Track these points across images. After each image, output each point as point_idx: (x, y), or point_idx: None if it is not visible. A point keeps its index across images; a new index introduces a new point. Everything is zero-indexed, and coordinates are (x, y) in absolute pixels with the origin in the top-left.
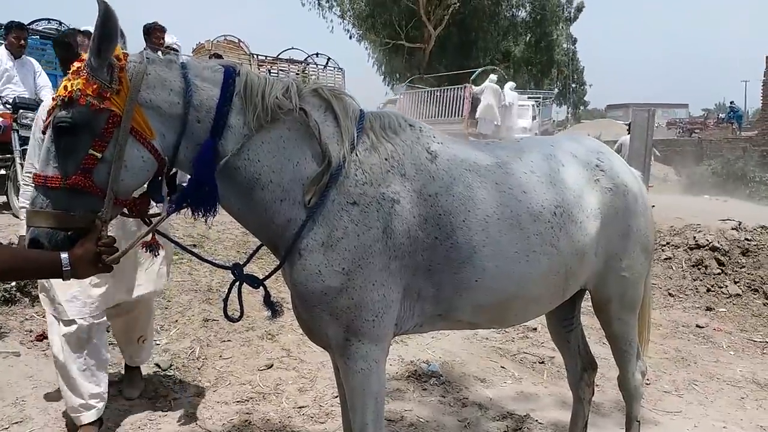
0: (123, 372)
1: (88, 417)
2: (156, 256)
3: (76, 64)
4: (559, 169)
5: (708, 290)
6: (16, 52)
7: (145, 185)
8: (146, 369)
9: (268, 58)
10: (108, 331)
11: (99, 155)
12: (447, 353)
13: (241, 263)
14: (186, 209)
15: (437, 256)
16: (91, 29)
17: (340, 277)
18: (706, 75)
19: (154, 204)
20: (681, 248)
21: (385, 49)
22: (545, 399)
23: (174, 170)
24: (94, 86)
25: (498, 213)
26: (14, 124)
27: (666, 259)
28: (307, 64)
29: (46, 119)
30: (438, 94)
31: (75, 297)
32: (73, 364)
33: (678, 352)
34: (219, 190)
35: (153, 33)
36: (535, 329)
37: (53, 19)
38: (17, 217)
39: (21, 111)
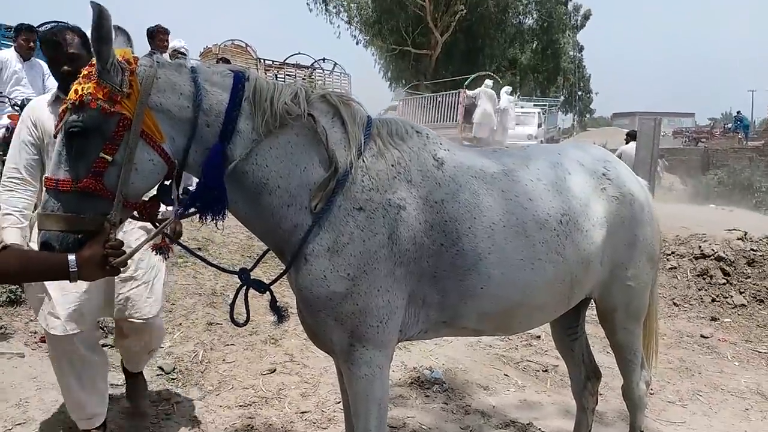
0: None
1: (91, 423)
2: (167, 258)
3: (86, 69)
4: (566, 177)
5: (713, 300)
6: (25, 55)
7: (155, 188)
8: (149, 372)
9: (275, 62)
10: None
11: (109, 158)
12: (450, 360)
13: (247, 268)
14: (195, 213)
15: (443, 262)
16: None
17: (345, 283)
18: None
19: (164, 207)
20: (686, 258)
21: (392, 55)
22: (548, 408)
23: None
24: (105, 90)
25: (504, 220)
26: None
27: (671, 268)
28: (314, 69)
29: (58, 123)
30: (434, 100)
31: (54, 310)
32: (70, 377)
33: (682, 362)
34: (227, 194)
35: (157, 36)
36: (539, 337)
37: (62, 22)
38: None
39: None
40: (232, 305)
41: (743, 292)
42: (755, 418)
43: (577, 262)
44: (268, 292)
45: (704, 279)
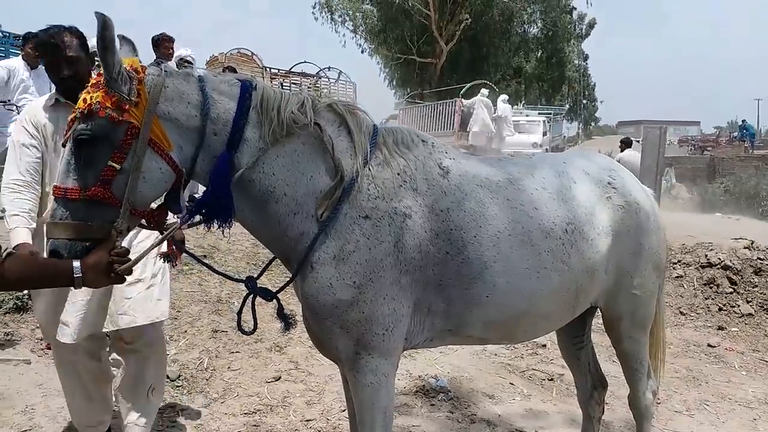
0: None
1: (97, 431)
2: (174, 266)
3: (95, 78)
4: (571, 186)
5: (720, 309)
6: (32, 63)
7: (163, 197)
8: None
9: (281, 71)
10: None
11: (118, 167)
12: (455, 368)
13: (253, 275)
14: (201, 222)
15: (448, 271)
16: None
17: (351, 291)
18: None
19: (172, 216)
20: (692, 266)
21: (397, 64)
22: (554, 417)
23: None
24: (114, 99)
25: (509, 229)
26: None
27: (677, 277)
28: (320, 78)
29: (66, 132)
30: (431, 108)
31: (65, 318)
32: (75, 385)
33: (689, 371)
34: (234, 202)
35: (162, 44)
36: (545, 346)
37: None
38: None
39: None
40: (239, 313)
41: (750, 302)
42: (763, 428)
43: (583, 270)
44: (274, 300)
45: (711, 288)
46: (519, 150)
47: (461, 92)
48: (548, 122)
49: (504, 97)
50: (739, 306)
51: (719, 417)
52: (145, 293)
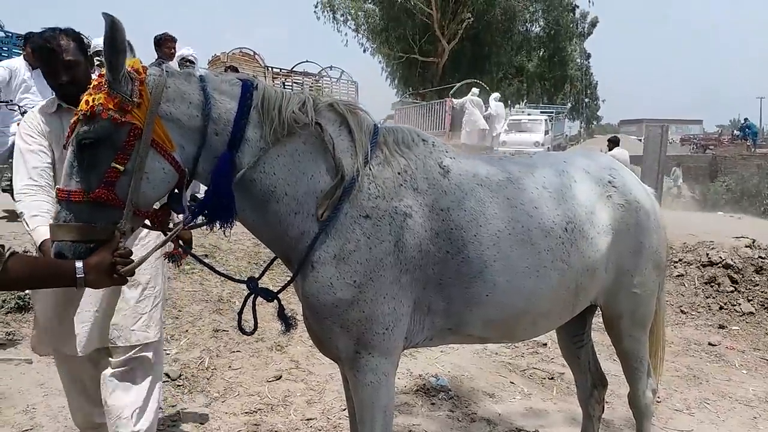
0: None
1: None
2: (179, 266)
3: (97, 79)
4: (571, 184)
5: (721, 308)
6: (34, 63)
7: (166, 197)
8: None
9: (283, 70)
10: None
11: (121, 168)
12: (456, 368)
13: (254, 275)
14: (205, 223)
15: (448, 270)
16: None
17: (351, 290)
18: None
19: (175, 216)
20: (694, 265)
21: (399, 63)
22: (555, 415)
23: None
24: (116, 100)
25: (509, 228)
26: None
27: (678, 276)
28: (321, 77)
29: (68, 134)
30: (425, 108)
31: (58, 329)
32: (78, 391)
33: (690, 370)
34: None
35: (164, 43)
36: (545, 344)
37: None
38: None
39: None
40: (240, 314)
41: (751, 300)
42: (763, 426)
43: (583, 269)
44: (275, 300)
45: (712, 287)
46: (521, 149)
47: (451, 92)
48: (550, 121)
49: (496, 95)
50: (740, 305)
51: (719, 415)
52: (138, 307)
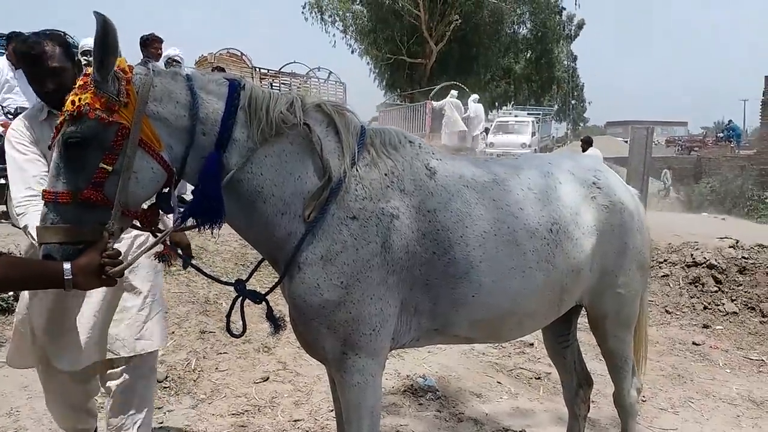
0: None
1: None
2: (170, 266)
3: (82, 79)
4: (557, 186)
5: (705, 308)
6: (16, 63)
7: (154, 197)
8: None
9: (271, 71)
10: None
11: (110, 168)
12: (443, 368)
13: (241, 277)
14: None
15: (435, 271)
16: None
17: (338, 291)
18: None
19: (164, 216)
20: (678, 266)
21: (387, 64)
22: (541, 415)
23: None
24: (102, 100)
25: (495, 229)
26: None
27: (663, 276)
28: (309, 78)
29: (54, 135)
30: (407, 110)
31: (51, 342)
32: (60, 402)
33: (674, 369)
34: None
35: (151, 44)
36: (532, 345)
37: (57, 30)
38: (16, 227)
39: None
40: (228, 316)
41: (735, 300)
42: (746, 425)
43: (567, 270)
44: (263, 302)
45: (696, 287)
46: (508, 150)
47: (431, 95)
48: (537, 123)
49: (474, 97)
50: (723, 304)
51: (703, 414)
52: (157, 318)
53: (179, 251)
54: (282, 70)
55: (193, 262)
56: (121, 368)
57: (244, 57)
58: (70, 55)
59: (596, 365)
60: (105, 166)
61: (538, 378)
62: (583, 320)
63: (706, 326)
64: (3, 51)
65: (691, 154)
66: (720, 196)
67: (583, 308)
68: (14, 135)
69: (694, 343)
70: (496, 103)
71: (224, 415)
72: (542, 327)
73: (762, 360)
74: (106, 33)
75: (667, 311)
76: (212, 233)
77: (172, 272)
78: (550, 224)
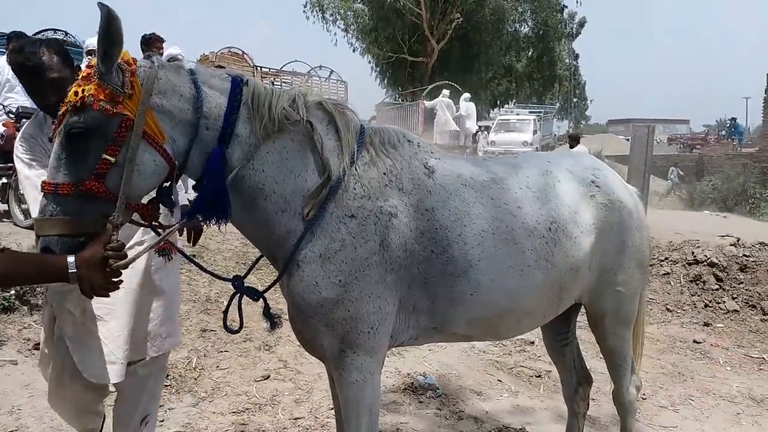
0: None
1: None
2: (170, 260)
3: (86, 71)
4: (555, 184)
5: (706, 306)
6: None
7: (155, 191)
8: None
9: (272, 70)
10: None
11: (112, 160)
12: (444, 366)
13: (241, 275)
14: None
15: (433, 269)
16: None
17: (336, 289)
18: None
19: (165, 210)
20: (679, 264)
21: (388, 63)
22: (541, 413)
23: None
24: (107, 91)
25: (493, 228)
26: (17, 132)
27: (664, 274)
28: (311, 77)
29: (55, 126)
30: (400, 110)
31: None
32: (70, 408)
33: (675, 367)
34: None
35: (153, 43)
36: (533, 343)
37: (59, 30)
38: (18, 226)
39: (23, 120)
40: (226, 312)
41: (736, 298)
42: (746, 422)
43: (566, 268)
44: (262, 299)
45: (697, 285)
46: (510, 148)
47: (423, 94)
48: (539, 121)
49: (466, 96)
50: (724, 302)
51: (703, 412)
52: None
53: (180, 246)
54: (283, 68)
55: (193, 257)
56: (133, 366)
57: (245, 56)
58: (68, 62)
59: (596, 363)
60: (108, 157)
61: (539, 376)
62: (582, 318)
63: (706, 324)
64: (3, 51)
65: (693, 152)
66: (722, 194)
67: (583, 306)
68: (23, 151)
69: (694, 341)
70: (498, 102)
71: (225, 413)
72: (541, 325)
73: (762, 358)
74: (110, 24)
75: (668, 309)
76: (219, 228)
77: None
78: (548, 223)
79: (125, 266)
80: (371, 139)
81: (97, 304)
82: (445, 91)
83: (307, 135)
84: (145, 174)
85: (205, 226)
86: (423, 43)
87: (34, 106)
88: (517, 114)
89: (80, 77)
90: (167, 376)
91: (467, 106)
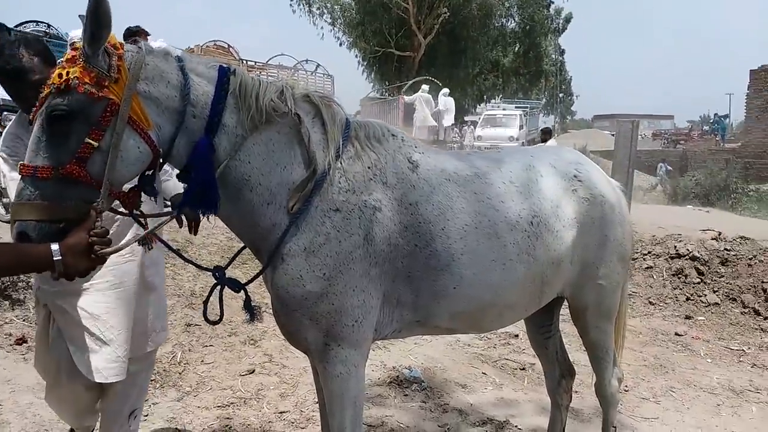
0: None
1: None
2: (150, 249)
3: (71, 53)
4: (538, 179)
5: (687, 299)
6: None
7: (137, 178)
8: None
9: (258, 63)
10: None
11: (95, 144)
12: (429, 359)
13: (229, 272)
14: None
15: (416, 263)
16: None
17: (321, 283)
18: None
19: (148, 198)
20: (662, 257)
21: (375, 57)
22: (525, 405)
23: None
24: (92, 74)
25: (476, 222)
26: (1, 128)
27: (647, 268)
28: (297, 71)
29: (36, 108)
30: (381, 104)
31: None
32: (69, 411)
33: (657, 359)
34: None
35: (140, 35)
36: (517, 336)
37: (42, 22)
38: (0, 221)
39: (5, 113)
40: (206, 303)
41: (716, 291)
42: (726, 413)
43: (548, 262)
44: (244, 292)
45: (679, 278)
46: (496, 143)
47: (403, 89)
48: (525, 116)
49: (445, 91)
50: (705, 295)
51: (684, 403)
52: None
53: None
54: (269, 62)
55: (178, 251)
56: (139, 362)
57: (231, 49)
58: (50, 61)
59: (580, 356)
60: (91, 141)
61: (523, 369)
62: (566, 311)
63: (688, 317)
64: None
65: (677, 147)
66: (705, 188)
67: (565, 300)
68: (6, 150)
69: (676, 334)
70: (485, 97)
71: (210, 407)
72: (523, 318)
73: (742, 350)
74: (98, 4)
75: (650, 302)
76: (208, 219)
77: None
78: (530, 217)
79: (110, 254)
80: (356, 133)
81: (95, 303)
82: (425, 86)
83: (294, 127)
84: (128, 160)
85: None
86: (410, 38)
87: None
88: (504, 109)
89: (65, 59)
90: None
91: (446, 101)
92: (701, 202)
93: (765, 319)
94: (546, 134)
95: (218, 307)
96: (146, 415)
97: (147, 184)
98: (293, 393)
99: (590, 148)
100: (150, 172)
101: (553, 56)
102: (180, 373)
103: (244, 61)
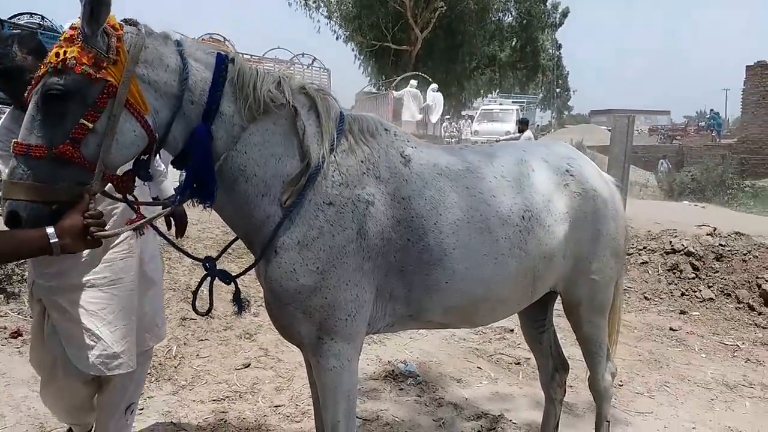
0: None
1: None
2: (141, 234)
3: (69, 32)
4: (530, 173)
5: (682, 294)
6: None
7: (131, 162)
8: None
9: (254, 57)
10: None
11: (90, 125)
12: (424, 353)
13: (224, 265)
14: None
15: (409, 257)
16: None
17: (314, 276)
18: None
19: (141, 182)
20: (657, 253)
21: (372, 51)
22: (520, 399)
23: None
24: (90, 55)
25: (468, 216)
26: None
27: (642, 263)
28: (293, 64)
29: (32, 87)
30: (373, 99)
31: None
32: (65, 406)
33: (651, 354)
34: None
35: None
36: (512, 330)
37: (35, 14)
38: None
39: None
40: (195, 293)
41: (711, 287)
42: (720, 408)
43: (540, 256)
44: (234, 284)
45: (674, 273)
46: (492, 138)
47: (393, 85)
48: (522, 111)
49: (434, 86)
50: (700, 291)
51: (678, 398)
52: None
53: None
54: (265, 55)
55: (168, 236)
56: (139, 359)
57: (226, 42)
58: (39, 54)
59: (574, 350)
60: (86, 122)
61: (518, 363)
62: (560, 306)
63: (683, 312)
64: None
65: (674, 142)
66: (701, 184)
67: (559, 294)
68: (1, 146)
69: (671, 329)
70: (482, 91)
71: (205, 401)
72: (516, 312)
73: (736, 345)
74: None
75: (645, 297)
76: (204, 208)
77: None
78: (522, 211)
79: (106, 237)
80: (350, 127)
81: (92, 299)
82: (413, 82)
83: (290, 119)
84: (123, 144)
85: (193, 205)
86: (407, 32)
87: None
88: (501, 104)
89: (63, 38)
90: None
91: (434, 96)
92: (697, 198)
93: (759, 314)
94: (523, 124)
95: (209, 298)
96: (141, 409)
97: (142, 169)
98: (288, 387)
99: (587, 143)
100: (145, 157)
101: (550, 51)
102: (175, 367)
103: (240, 55)
